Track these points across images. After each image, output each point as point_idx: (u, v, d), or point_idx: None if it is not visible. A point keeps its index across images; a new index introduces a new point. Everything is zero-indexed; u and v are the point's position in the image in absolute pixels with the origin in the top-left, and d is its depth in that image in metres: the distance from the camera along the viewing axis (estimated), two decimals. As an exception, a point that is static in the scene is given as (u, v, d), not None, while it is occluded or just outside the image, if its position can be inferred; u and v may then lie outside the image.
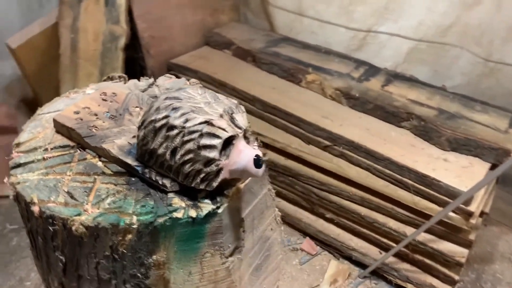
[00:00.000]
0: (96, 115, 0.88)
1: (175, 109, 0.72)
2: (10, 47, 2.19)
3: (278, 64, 2.34)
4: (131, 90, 0.95)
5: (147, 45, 2.48)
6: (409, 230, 1.65)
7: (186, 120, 0.71)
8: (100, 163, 0.81)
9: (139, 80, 1.05)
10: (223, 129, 0.71)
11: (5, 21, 2.46)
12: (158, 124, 0.73)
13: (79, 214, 0.71)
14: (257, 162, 0.71)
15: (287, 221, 2.16)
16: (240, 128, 0.73)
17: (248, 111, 2.18)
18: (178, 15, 2.57)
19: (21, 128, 0.87)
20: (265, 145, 2.12)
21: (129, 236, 0.71)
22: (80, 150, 0.84)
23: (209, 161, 0.71)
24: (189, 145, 0.71)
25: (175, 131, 0.71)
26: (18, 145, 0.84)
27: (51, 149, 0.84)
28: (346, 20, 2.32)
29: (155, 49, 2.54)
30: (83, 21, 2.22)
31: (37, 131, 0.87)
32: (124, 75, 1.07)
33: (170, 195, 0.76)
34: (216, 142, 0.70)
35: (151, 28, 2.48)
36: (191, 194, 0.76)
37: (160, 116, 0.72)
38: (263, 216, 0.92)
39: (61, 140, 0.86)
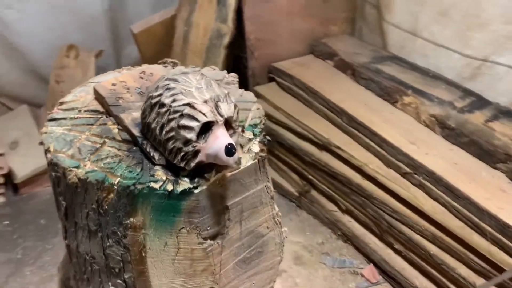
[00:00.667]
0: (128, 89, 0.99)
1: (168, 89, 0.79)
2: (132, 32, 2.49)
3: (376, 81, 2.29)
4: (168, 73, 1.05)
5: (252, 47, 2.61)
6: (479, 281, 1.50)
7: (174, 100, 0.78)
8: (115, 130, 0.92)
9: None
10: (203, 114, 0.76)
11: (137, 11, 2.80)
12: (153, 101, 0.81)
13: (77, 167, 0.82)
14: (229, 150, 0.74)
15: (353, 242, 2.11)
16: (221, 116, 0.77)
17: (334, 123, 2.18)
18: (287, 22, 2.65)
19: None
20: (343, 160, 2.09)
21: (111, 195, 0.80)
22: (106, 117, 0.96)
23: (187, 141, 0.77)
24: (172, 124, 0.77)
25: (164, 109, 0.78)
26: (61, 103, 0.99)
27: (84, 111, 0.97)
28: (461, 46, 2.17)
29: (259, 52, 2.66)
30: (197, 16, 2.43)
31: (81, 95, 1.02)
32: (176, 61, 1.18)
33: (157, 167, 0.83)
34: (194, 124, 0.76)
35: (259, 31, 2.60)
36: (176, 171, 0.82)
37: (156, 93, 0.80)
38: (256, 212, 0.94)
39: (95, 106, 0.99)
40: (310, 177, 2.29)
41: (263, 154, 0.90)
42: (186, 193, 0.81)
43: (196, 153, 0.78)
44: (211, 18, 2.43)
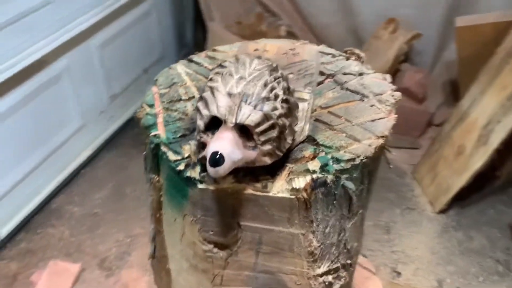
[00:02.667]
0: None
1: (221, 66, 0.68)
2: (455, 24, 2.17)
3: None
4: (313, 60, 0.89)
5: None
6: None
7: (211, 79, 0.66)
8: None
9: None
10: (217, 106, 0.62)
11: (491, 2, 2.38)
12: (212, 70, 0.71)
13: (150, 106, 0.84)
14: (213, 159, 0.60)
15: None
16: (236, 118, 0.61)
17: None
18: None
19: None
20: None
21: (147, 146, 0.79)
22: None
23: (198, 128, 0.66)
24: (197, 102, 0.67)
25: (205, 84, 0.68)
26: (214, 50, 1.00)
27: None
28: None
29: None
30: (539, 30, 1.90)
31: (233, 49, 0.99)
32: (362, 55, 0.98)
33: (192, 142, 0.76)
34: (205, 113, 0.63)
35: None
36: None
37: (215, 66, 0.70)
38: (281, 255, 0.74)
39: (230, 63, 0.95)
40: None
41: (305, 196, 0.68)
42: (191, 182, 0.71)
43: (204, 145, 0.66)
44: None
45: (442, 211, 2.26)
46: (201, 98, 0.65)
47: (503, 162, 2.18)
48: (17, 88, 1.87)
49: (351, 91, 0.88)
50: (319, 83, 0.90)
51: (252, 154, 0.64)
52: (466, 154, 2.16)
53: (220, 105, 0.63)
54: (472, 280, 1.98)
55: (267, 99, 0.63)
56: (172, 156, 0.73)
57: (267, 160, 0.66)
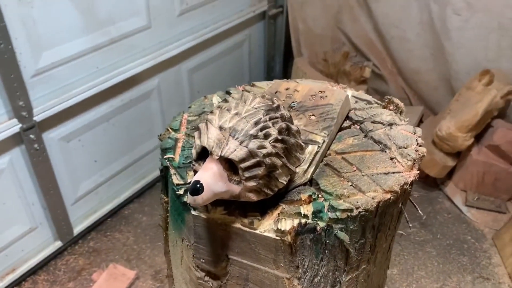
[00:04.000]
0: (290, 98, 0.91)
1: (225, 101, 0.70)
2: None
3: None
4: (338, 104, 0.87)
5: None
6: None
7: (211, 112, 0.69)
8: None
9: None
10: (207, 137, 0.64)
11: None
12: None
13: (175, 130, 0.89)
14: (193, 187, 0.62)
15: None
16: (221, 151, 0.63)
17: None
18: None
19: None
20: None
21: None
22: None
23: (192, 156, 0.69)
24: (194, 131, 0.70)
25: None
26: (253, 85, 1.03)
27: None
28: None
29: None
30: None
31: (271, 85, 1.01)
32: (400, 105, 0.94)
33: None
34: (197, 142, 0.66)
35: None
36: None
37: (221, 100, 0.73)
38: (265, 293, 0.73)
39: (263, 99, 0.97)
40: None
41: (290, 240, 0.66)
42: (187, 208, 0.74)
43: (195, 172, 0.69)
44: None
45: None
46: (197, 128, 0.68)
47: None
48: (114, 98, 2.09)
49: (374, 140, 0.84)
50: (343, 129, 0.88)
51: (236, 188, 0.65)
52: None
53: (210, 137, 0.65)
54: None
55: (255, 136, 0.64)
56: (176, 180, 0.77)
57: (252, 197, 0.66)
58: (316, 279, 0.72)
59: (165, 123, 2.45)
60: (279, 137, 0.66)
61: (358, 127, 0.88)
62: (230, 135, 0.64)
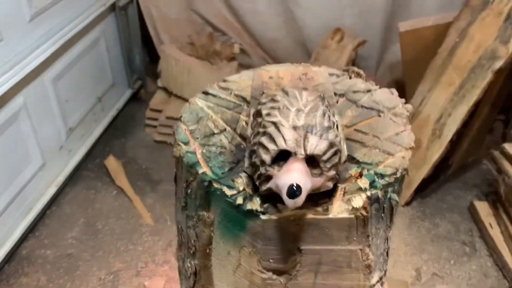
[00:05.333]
0: (279, 85, 0.94)
1: (273, 100, 0.71)
2: (399, 29, 2.35)
3: None
4: (327, 82, 0.95)
5: (535, 83, 2.13)
6: None
7: (268, 114, 0.70)
8: (242, 122, 0.90)
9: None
10: (284, 140, 0.66)
11: (421, 9, 2.60)
12: (258, 107, 0.74)
13: (185, 143, 0.85)
14: (291, 191, 0.63)
15: None
16: (304, 149, 0.65)
17: None
18: None
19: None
20: None
21: (195, 182, 0.80)
22: (246, 106, 0.95)
23: (262, 162, 0.69)
24: (258, 138, 0.70)
25: (259, 120, 0.71)
26: (224, 80, 1.02)
27: (234, 95, 0.98)
28: None
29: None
30: (475, 29, 2.11)
31: (243, 78, 1.03)
32: (361, 72, 1.05)
33: (243, 174, 0.78)
34: (271, 147, 0.67)
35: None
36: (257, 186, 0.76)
37: (263, 101, 0.73)
38: (339, 272, 0.79)
39: (246, 93, 0.98)
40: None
41: (364, 213, 0.73)
42: (253, 214, 0.73)
43: (268, 178, 0.69)
44: (490, 35, 2.05)
45: (407, 204, 2.41)
46: (264, 133, 0.68)
47: (454, 151, 2.37)
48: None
49: (367, 108, 0.94)
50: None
51: (319, 181, 0.68)
52: (423, 148, 2.33)
53: (287, 139, 0.66)
54: (445, 264, 2.14)
55: (330, 128, 0.68)
56: (228, 192, 0.75)
57: (330, 185, 0.70)
58: (378, 242, 0.80)
59: (41, 144, 2.18)
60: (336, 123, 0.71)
61: (344, 99, 0.97)
62: (307, 131, 0.66)
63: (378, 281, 0.83)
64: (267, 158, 0.68)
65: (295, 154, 0.66)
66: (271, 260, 0.78)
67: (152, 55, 3.10)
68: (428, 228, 2.32)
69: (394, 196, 0.77)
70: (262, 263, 0.78)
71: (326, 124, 0.68)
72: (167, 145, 2.74)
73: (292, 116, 0.68)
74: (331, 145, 0.67)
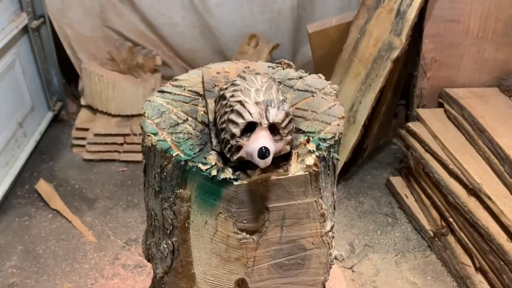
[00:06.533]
0: (227, 78, 1.09)
1: (233, 84, 0.86)
2: (307, 31, 2.60)
3: None
4: (269, 74, 1.11)
5: (425, 66, 2.48)
6: None
7: (232, 96, 0.84)
8: (200, 112, 1.03)
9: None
10: (250, 113, 0.80)
11: (324, 11, 2.89)
12: (221, 92, 0.88)
13: (154, 134, 0.96)
14: (262, 153, 0.77)
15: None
16: (267, 119, 0.80)
17: (493, 170, 1.94)
18: (475, 47, 2.43)
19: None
20: (491, 213, 1.88)
21: (169, 165, 0.92)
22: (201, 99, 1.08)
23: (232, 135, 0.83)
24: (226, 116, 0.84)
25: (224, 102, 0.85)
26: (175, 79, 1.15)
27: (187, 90, 1.11)
28: None
29: (434, 73, 2.51)
30: (372, 26, 2.41)
31: (193, 76, 1.16)
32: (291, 63, 1.23)
33: (212, 152, 0.91)
34: (240, 121, 0.81)
35: (438, 51, 2.45)
36: (227, 160, 0.89)
37: (224, 87, 0.88)
38: (300, 223, 0.95)
39: (198, 88, 1.12)
40: (451, 220, 2.11)
41: (316, 169, 0.90)
42: (227, 182, 0.87)
43: (239, 148, 0.83)
44: (385, 30, 2.37)
45: (333, 187, 2.64)
46: (232, 111, 0.82)
47: (367, 135, 2.67)
48: None
49: (302, 90, 1.12)
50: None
51: (280, 145, 0.83)
52: (340, 135, 2.58)
53: (252, 112, 0.81)
54: (373, 235, 2.41)
55: (284, 101, 0.84)
56: (203, 167, 0.88)
57: (288, 148, 0.86)
58: (327, 194, 0.97)
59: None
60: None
61: (282, 85, 1.14)
62: (267, 105, 0.81)
63: (330, 230, 1.00)
64: (237, 131, 0.82)
65: (260, 124, 0.80)
66: (244, 221, 0.91)
67: (68, 75, 3.08)
68: (354, 206, 2.57)
69: (335, 155, 0.95)
70: (237, 225, 0.91)
71: (281, 98, 0.84)
72: (98, 162, 2.75)
73: (253, 95, 0.83)
74: (287, 114, 0.83)
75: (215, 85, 1.08)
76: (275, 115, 0.81)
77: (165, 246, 1.03)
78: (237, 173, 0.87)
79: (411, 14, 2.26)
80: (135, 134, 2.66)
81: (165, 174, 0.93)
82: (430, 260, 2.23)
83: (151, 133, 0.96)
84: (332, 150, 0.95)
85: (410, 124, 2.43)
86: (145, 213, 2.29)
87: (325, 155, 0.92)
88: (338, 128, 0.99)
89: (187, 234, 0.96)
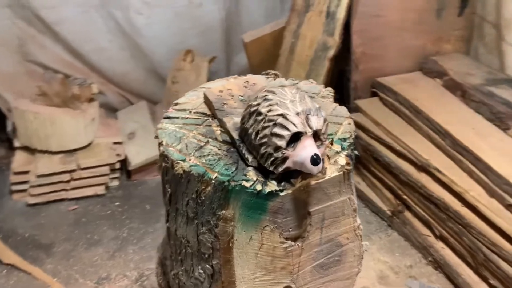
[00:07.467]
0: (232, 96, 1.11)
1: (266, 99, 0.88)
2: (243, 41, 2.66)
3: (488, 104, 2.20)
4: (267, 84, 1.15)
5: (357, 60, 2.64)
6: None
7: (270, 110, 0.87)
8: (218, 132, 1.04)
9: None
10: (294, 124, 0.84)
11: (251, 21, 2.97)
12: (252, 109, 0.90)
13: (183, 160, 0.95)
14: (314, 160, 0.81)
15: (444, 270, 2.05)
16: (311, 127, 0.84)
17: (436, 145, 2.13)
18: (397, 37, 2.64)
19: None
20: (442, 184, 2.05)
21: (209, 188, 0.91)
22: (211, 119, 1.09)
23: (277, 148, 0.86)
24: (266, 131, 0.86)
25: (260, 117, 0.88)
26: (175, 104, 1.14)
27: (194, 112, 1.10)
28: None
29: (364, 65, 2.68)
30: (305, 29, 2.52)
31: (192, 98, 1.16)
32: (277, 73, 1.27)
33: (250, 168, 0.93)
34: (285, 133, 0.84)
35: (366, 45, 2.62)
36: (266, 174, 0.91)
37: (255, 103, 0.90)
38: (337, 221, 1.00)
39: (203, 109, 1.12)
40: (405, 197, 2.26)
41: (348, 168, 0.95)
42: (272, 194, 0.89)
43: (284, 159, 0.86)
44: (318, 31, 2.50)
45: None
46: (275, 124, 0.85)
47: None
48: None
49: (300, 97, 1.17)
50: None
51: (322, 150, 0.88)
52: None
53: (296, 123, 0.84)
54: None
55: (320, 108, 0.88)
56: (247, 184, 0.89)
57: (327, 152, 0.91)
58: (354, 188, 1.04)
59: None
60: (315, 105, 0.92)
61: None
62: (307, 114, 0.85)
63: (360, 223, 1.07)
64: (282, 143, 0.85)
65: (305, 133, 0.84)
66: (290, 229, 0.94)
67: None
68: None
69: (355, 152, 1.02)
70: (283, 235, 0.94)
71: (316, 105, 0.88)
72: (45, 204, 2.57)
73: (290, 106, 0.86)
74: (325, 120, 0.88)
75: (223, 103, 1.09)
76: (317, 122, 0.85)
77: (201, 271, 1.02)
78: (282, 183, 0.90)
79: (341, 13, 2.41)
80: (82, 169, 2.53)
81: (202, 198, 0.93)
82: (394, 237, 2.39)
83: (179, 160, 0.95)
84: (352, 147, 1.01)
85: (353, 115, 2.58)
86: (111, 249, 2.21)
87: (350, 154, 0.99)
88: (351, 127, 1.06)
89: (231, 254, 0.96)
